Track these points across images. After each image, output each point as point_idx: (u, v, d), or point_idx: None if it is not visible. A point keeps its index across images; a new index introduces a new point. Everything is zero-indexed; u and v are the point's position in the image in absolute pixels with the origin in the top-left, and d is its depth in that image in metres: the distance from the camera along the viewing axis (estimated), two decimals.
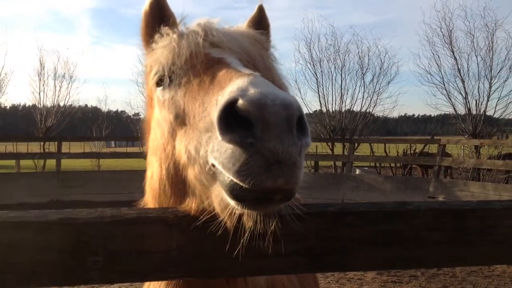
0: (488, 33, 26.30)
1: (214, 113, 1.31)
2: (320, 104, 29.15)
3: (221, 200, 1.34)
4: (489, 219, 1.45)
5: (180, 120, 1.60)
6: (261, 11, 2.16)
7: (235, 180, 1.23)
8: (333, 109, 28.36)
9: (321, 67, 29.12)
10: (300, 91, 29.32)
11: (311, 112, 28.91)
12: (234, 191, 1.25)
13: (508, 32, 27.39)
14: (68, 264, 1.28)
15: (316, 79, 29.06)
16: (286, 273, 1.41)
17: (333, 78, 28.79)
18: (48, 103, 29.17)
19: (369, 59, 28.70)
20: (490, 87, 26.49)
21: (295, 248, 1.38)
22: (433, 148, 26.06)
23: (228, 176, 1.25)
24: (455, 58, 27.17)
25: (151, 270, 1.32)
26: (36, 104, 29.27)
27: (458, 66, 26.92)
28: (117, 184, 16.35)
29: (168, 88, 1.71)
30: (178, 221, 1.37)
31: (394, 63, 30.52)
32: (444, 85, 27.54)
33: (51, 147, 25.82)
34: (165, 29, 1.84)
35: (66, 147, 27.39)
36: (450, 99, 27.22)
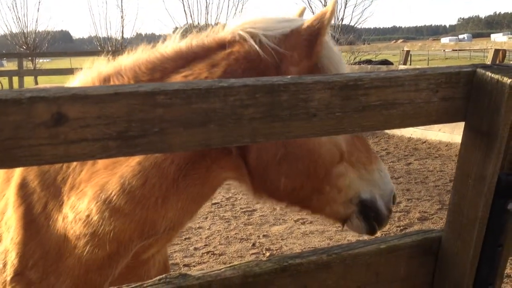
0: None
1: None
2: (186, 15, 28.33)
3: None
4: (301, 93, 1.48)
5: None
6: None
7: None
8: (198, 21, 27.84)
9: None
10: (163, 1, 28.14)
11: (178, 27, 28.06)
12: None
13: None
14: None
15: None
16: (98, 158, 1.33)
17: None
18: None
19: None
20: None
21: (106, 131, 1.30)
22: None
23: None
24: None
25: None
26: None
27: None
28: None
29: None
30: None
31: None
32: None
33: None
34: None
35: None
36: (310, 7, 28.09)
